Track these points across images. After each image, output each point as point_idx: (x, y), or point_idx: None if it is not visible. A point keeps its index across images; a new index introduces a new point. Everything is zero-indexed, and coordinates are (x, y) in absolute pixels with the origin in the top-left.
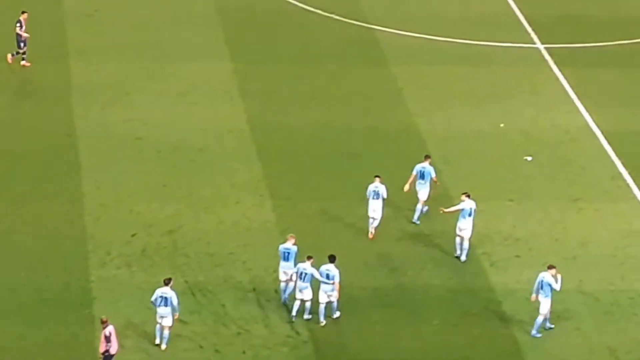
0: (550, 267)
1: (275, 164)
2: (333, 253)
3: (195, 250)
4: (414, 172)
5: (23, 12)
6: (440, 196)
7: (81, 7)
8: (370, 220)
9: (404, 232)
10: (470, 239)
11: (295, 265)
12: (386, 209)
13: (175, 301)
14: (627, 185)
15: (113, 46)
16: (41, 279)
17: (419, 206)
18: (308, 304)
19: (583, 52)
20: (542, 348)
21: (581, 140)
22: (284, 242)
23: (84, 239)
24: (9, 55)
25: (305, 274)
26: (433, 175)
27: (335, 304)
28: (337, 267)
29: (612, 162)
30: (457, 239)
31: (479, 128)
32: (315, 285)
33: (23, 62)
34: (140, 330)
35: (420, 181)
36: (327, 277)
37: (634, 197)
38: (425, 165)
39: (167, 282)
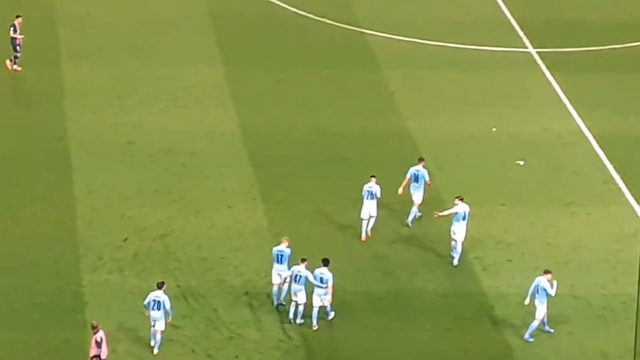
0: (546, 272)
1: (267, 168)
2: (326, 257)
3: (187, 255)
4: (408, 175)
5: (17, 17)
6: (433, 200)
7: (73, 11)
8: (364, 222)
9: (396, 235)
10: (463, 243)
11: (289, 267)
12: (379, 212)
13: (168, 305)
14: (619, 189)
15: (105, 50)
16: (33, 283)
17: (414, 209)
18: (301, 308)
19: (575, 57)
20: (535, 352)
21: (573, 145)
22: (278, 244)
23: (76, 243)
24: (8, 62)
25: (300, 276)
26: (427, 178)
27: (328, 307)
28: (330, 270)
29: (604, 166)
30: (453, 243)
31: (471, 132)
32: (309, 289)
33: (15, 66)
34: (132, 335)
35: (415, 184)
36: (321, 280)
37: (626, 201)
38: (419, 168)
39: (160, 286)
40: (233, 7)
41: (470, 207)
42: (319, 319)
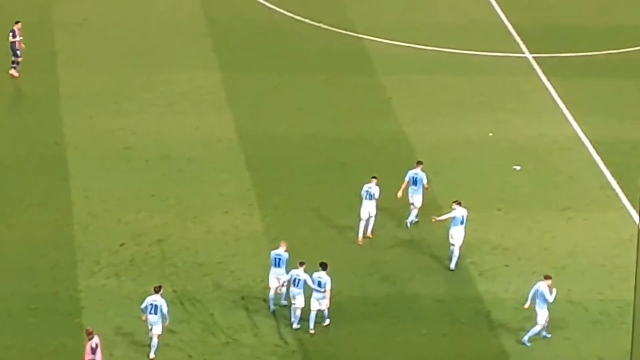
0: (546, 277)
1: (264, 173)
2: (324, 261)
3: (184, 260)
4: (407, 179)
5: (17, 22)
6: (430, 204)
7: (70, 17)
8: (362, 222)
9: (393, 240)
10: (460, 248)
11: (287, 271)
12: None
13: (165, 309)
14: (616, 194)
15: (102, 55)
16: (30, 288)
17: (415, 212)
18: (298, 312)
19: (571, 62)
20: (532, 357)
21: (570, 150)
22: (276, 248)
23: (73, 248)
24: (14, 71)
25: (299, 280)
26: (425, 181)
27: (326, 312)
28: (328, 274)
29: (601, 171)
30: (451, 247)
31: (468, 137)
32: (307, 293)
33: (11, 72)
34: (129, 340)
35: (413, 187)
36: (319, 284)
37: (623, 206)
38: (418, 171)
39: (157, 290)
40: (230, 12)
41: (467, 212)
42: (316, 323)
